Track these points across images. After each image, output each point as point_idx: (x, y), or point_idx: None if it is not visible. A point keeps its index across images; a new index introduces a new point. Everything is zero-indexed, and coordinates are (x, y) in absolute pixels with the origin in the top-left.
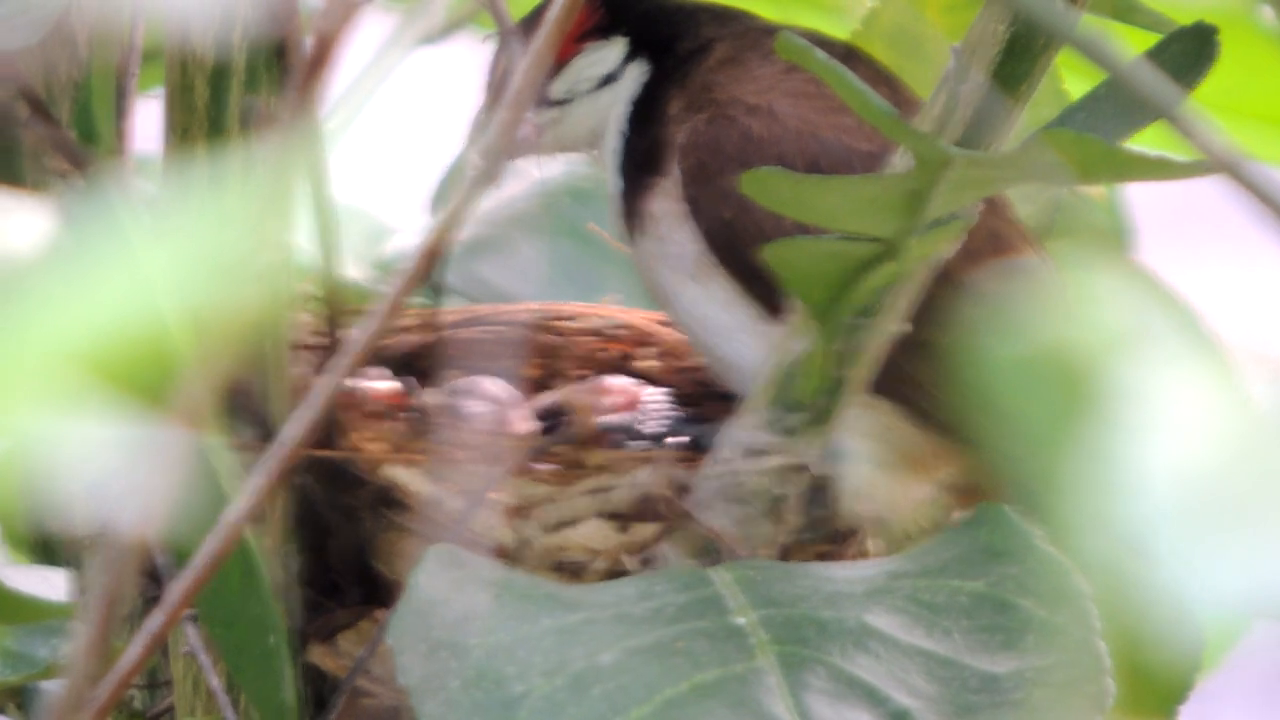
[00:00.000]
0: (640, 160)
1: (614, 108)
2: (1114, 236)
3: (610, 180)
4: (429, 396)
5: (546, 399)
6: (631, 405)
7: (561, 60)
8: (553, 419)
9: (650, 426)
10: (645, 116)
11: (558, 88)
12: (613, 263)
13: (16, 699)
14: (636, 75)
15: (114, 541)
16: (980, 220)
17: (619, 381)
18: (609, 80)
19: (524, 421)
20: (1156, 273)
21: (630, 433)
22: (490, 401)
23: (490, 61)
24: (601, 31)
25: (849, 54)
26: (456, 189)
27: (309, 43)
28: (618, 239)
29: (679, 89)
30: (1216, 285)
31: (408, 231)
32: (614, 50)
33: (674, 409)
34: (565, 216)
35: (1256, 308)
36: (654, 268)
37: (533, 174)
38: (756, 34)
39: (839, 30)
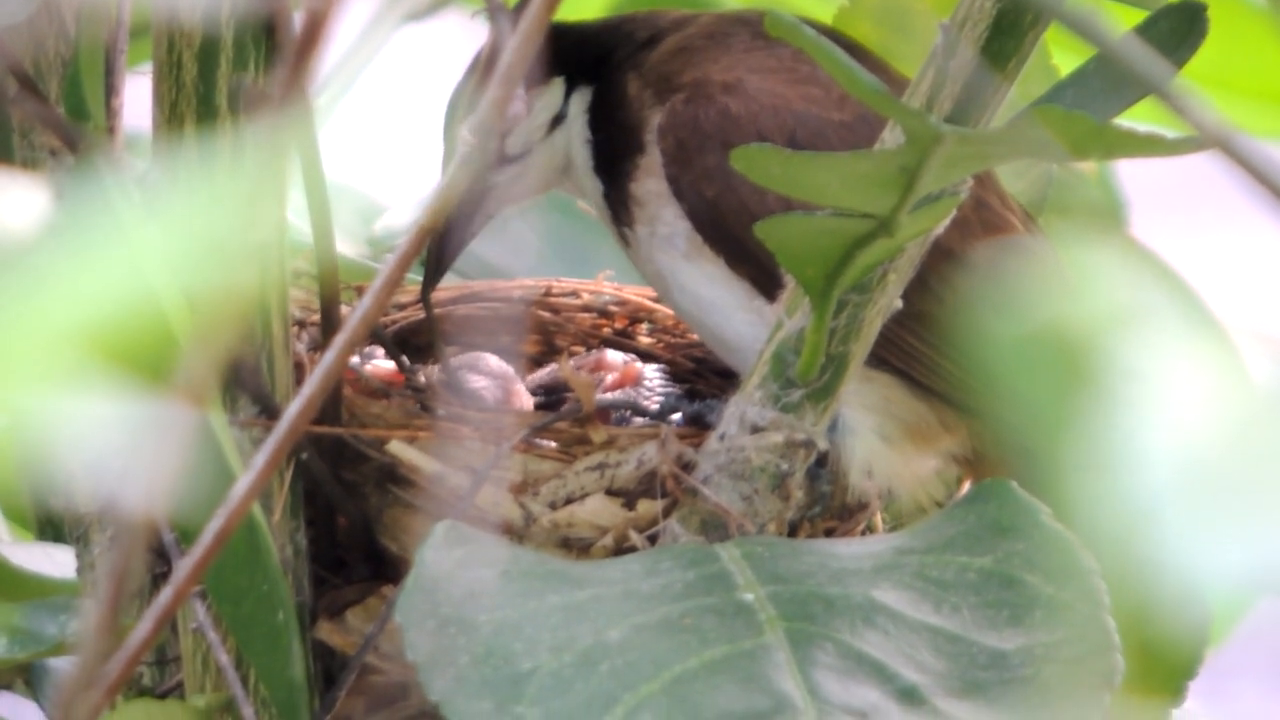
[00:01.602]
0: (613, 152)
1: (572, 129)
2: (1108, 211)
3: (590, 188)
4: (429, 373)
5: (546, 373)
6: (632, 380)
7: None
8: (553, 394)
9: (652, 401)
10: (604, 115)
11: (513, 144)
12: (602, 238)
13: (24, 675)
14: (582, 100)
15: (123, 518)
16: (971, 195)
17: (618, 357)
18: (559, 121)
19: (524, 396)
20: (1151, 248)
21: (633, 408)
22: (490, 377)
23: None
24: (538, 80)
25: (829, 35)
26: (447, 168)
27: (299, 19)
28: (615, 242)
29: (633, 74)
30: (1211, 260)
31: (399, 209)
32: (554, 91)
33: (673, 385)
34: (555, 192)
35: (1252, 282)
36: (649, 254)
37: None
38: (705, 23)
39: (825, 8)
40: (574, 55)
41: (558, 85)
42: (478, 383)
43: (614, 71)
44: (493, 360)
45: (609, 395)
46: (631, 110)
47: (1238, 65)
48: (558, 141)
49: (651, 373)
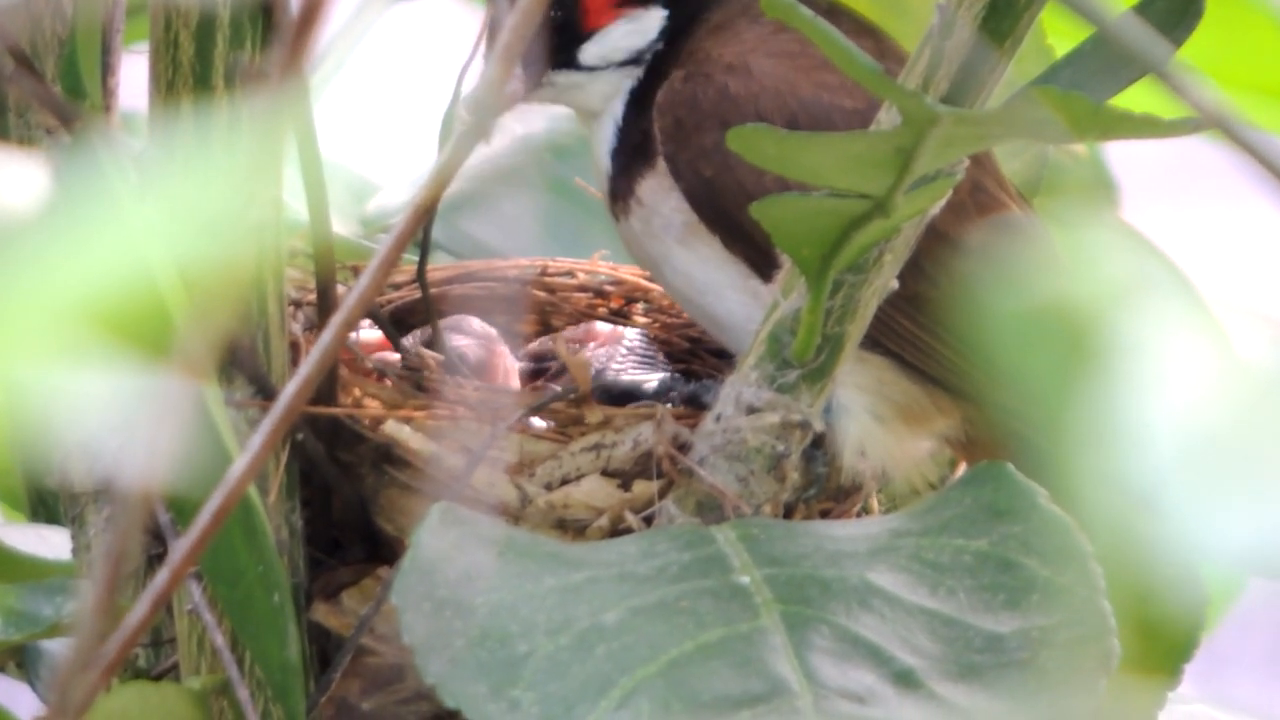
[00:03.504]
0: (632, 149)
1: (622, 87)
2: (1100, 192)
3: (601, 162)
4: (414, 337)
5: (536, 343)
6: (613, 341)
7: (593, 26)
8: (542, 362)
9: (633, 367)
10: (641, 104)
11: (590, 53)
12: (595, 218)
13: (16, 658)
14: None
15: (120, 498)
16: (968, 178)
17: (606, 328)
18: (638, 59)
19: (507, 358)
20: (1141, 229)
21: (623, 388)
22: (473, 336)
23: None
24: (638, 0)
25: (831, 10)
26: (445, 144)
27: None
28: (603, 209)
29: (676, 67)
30: (1207, 240)
31: (392, 188)
32: (653, 19)
33: (652, 345)
34: (547, 172)
35: (1248, 263)
36: (641, 242)
37: (514, 129)
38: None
39: None
40: None
41: (658, 15)
42: (460, 342)
43: (679, 39)
44: (475, 322)
45: (595, 355)
46: (657, 105)
47: (1238, 59)
48: (626, 80)
49: (632, 335)
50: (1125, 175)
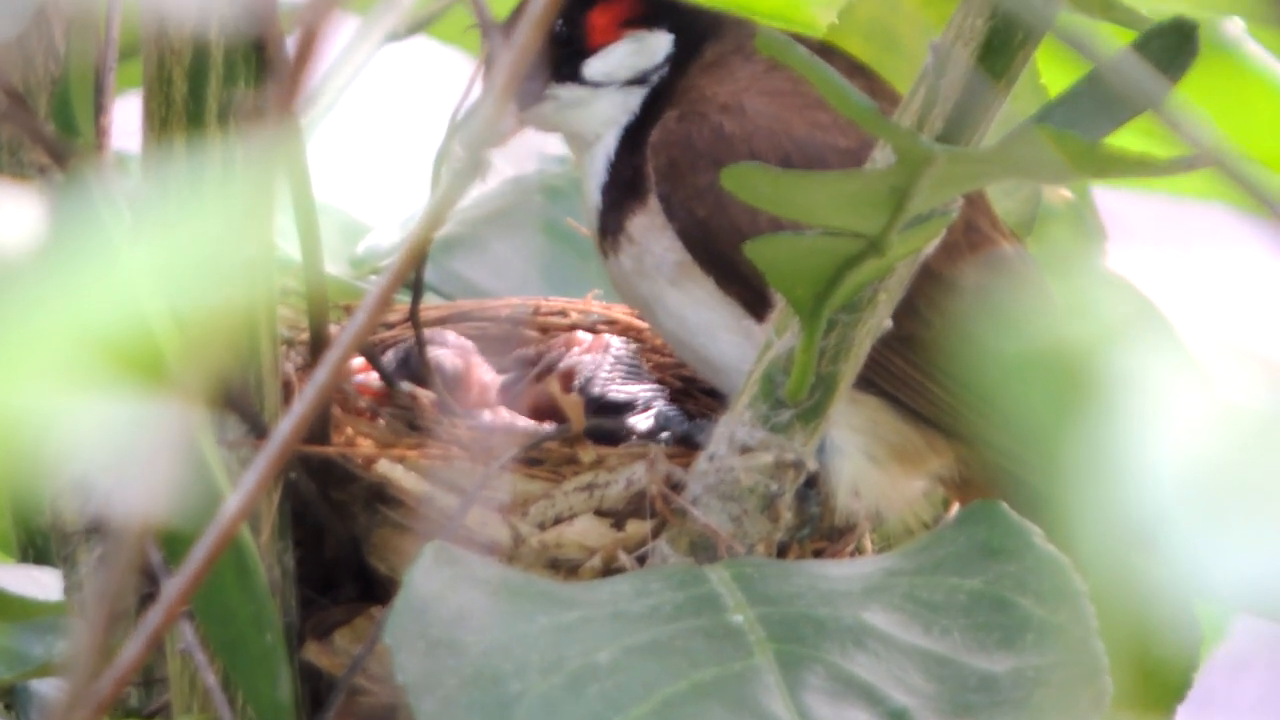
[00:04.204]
0: (623, 185)
1: (619, 117)
2: (1087, 237)
3: (591, 197)
4: (389, 356)
5: (519, 353)
6: (600, 349)
7: (599, 43)
8: (520, 372)
9: (621, 379)
10: (634, 141)
11: (595, 68)
12: (588, 259)
13: (7, 698)
14: (657, 80)
15: (112, 537)
16: (961, 218)
17: (587, 336)
18: (643, 80)
19: (483, 369)
20: (1126, 273)
21: (614, 402)
22: (452, 348)
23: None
24: (645, 22)
25: (824, 49)
26: (439, 184)
27: (294, 37)
28: (593, 247)
29: (669, 106)
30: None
31: (382, 229)
32: (660, 42)
33: (638, 358)
34: (539, 213)
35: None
36: (632, 280)
37: (505, 171)
38: (743, 37)
39: (817, 25)
40: (685, 19)
41: (665, 38)
42: (436, 352)
43: (679, 75)
44: (450, 335)
45: (579, 363)
46: (648, 160)
47: (1241, 129)
48: (631, 99)
49: (619, 344)
50: (1113, 219)
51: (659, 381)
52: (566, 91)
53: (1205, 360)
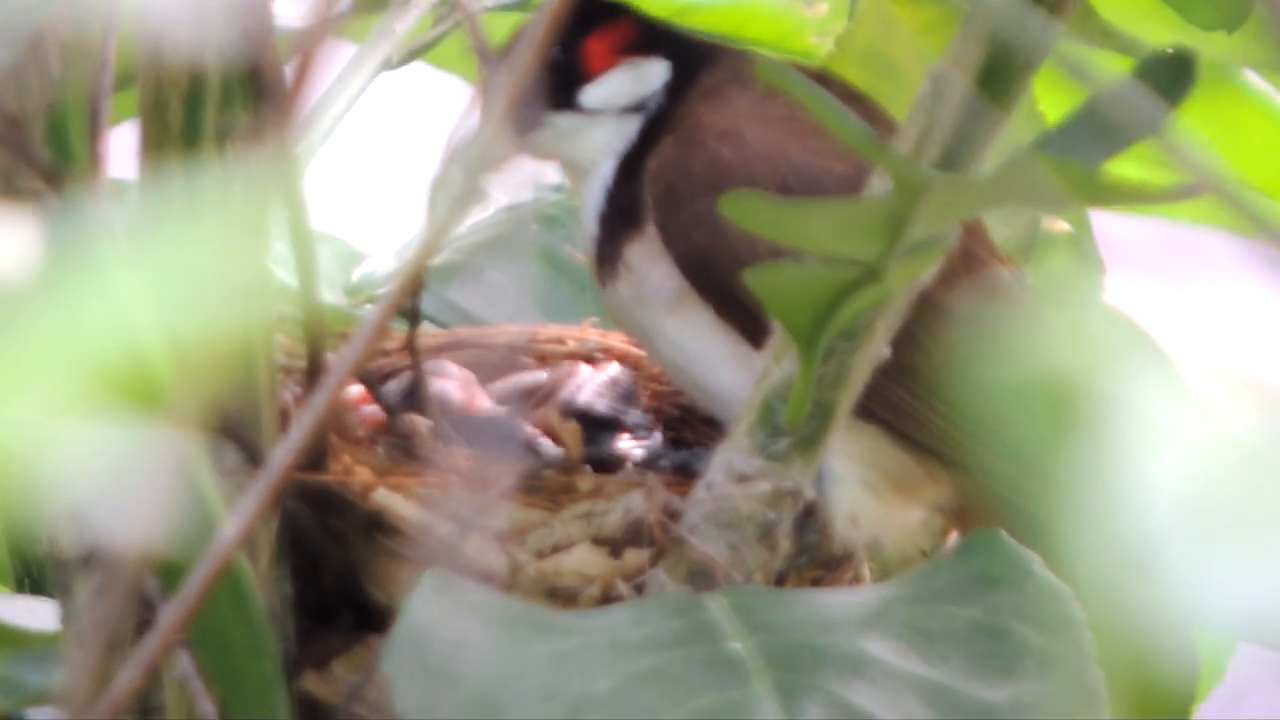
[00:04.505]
0: (620, 214)
1: (616, 145)
2: (1085, 268)
3: (588, 225)
4: (390, 388)
5: (518, 380)
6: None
7: (596, 70)
8: (518, 402)
9: (614, 399)
10: (630, 168)
11: (592, 95)
12: (584, 288)
13: None
14: (654, 108)
15: (108, 565)
16: (959, 246)
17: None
18: (640, 107)
19: (487, 399)
20: (1123, 305)
21: (599, 416)
22: (456, 379)
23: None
24: (642, 49)
25: (822, 77)
26: (436, 211)
27: (290, 64)
28: (590, 276)
29: (667, 133)
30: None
31: (377, 257)
32: (657, 70)
33: (635, 386)
34: (535, 242)
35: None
36: (629, 309)
37: (501, 200)
38: (740, 64)
39: (815, 53)
40: (682, 48)
41: (661, 66)
42: (440, 385)
43: (675, 102)
44: (454, 368)
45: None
46: (645, 187)
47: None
48: (626, 127)
49: (617, 369)
50: (1111, 245)
51: (654, 410)
52: (563, 119)
53: (1202, 389)
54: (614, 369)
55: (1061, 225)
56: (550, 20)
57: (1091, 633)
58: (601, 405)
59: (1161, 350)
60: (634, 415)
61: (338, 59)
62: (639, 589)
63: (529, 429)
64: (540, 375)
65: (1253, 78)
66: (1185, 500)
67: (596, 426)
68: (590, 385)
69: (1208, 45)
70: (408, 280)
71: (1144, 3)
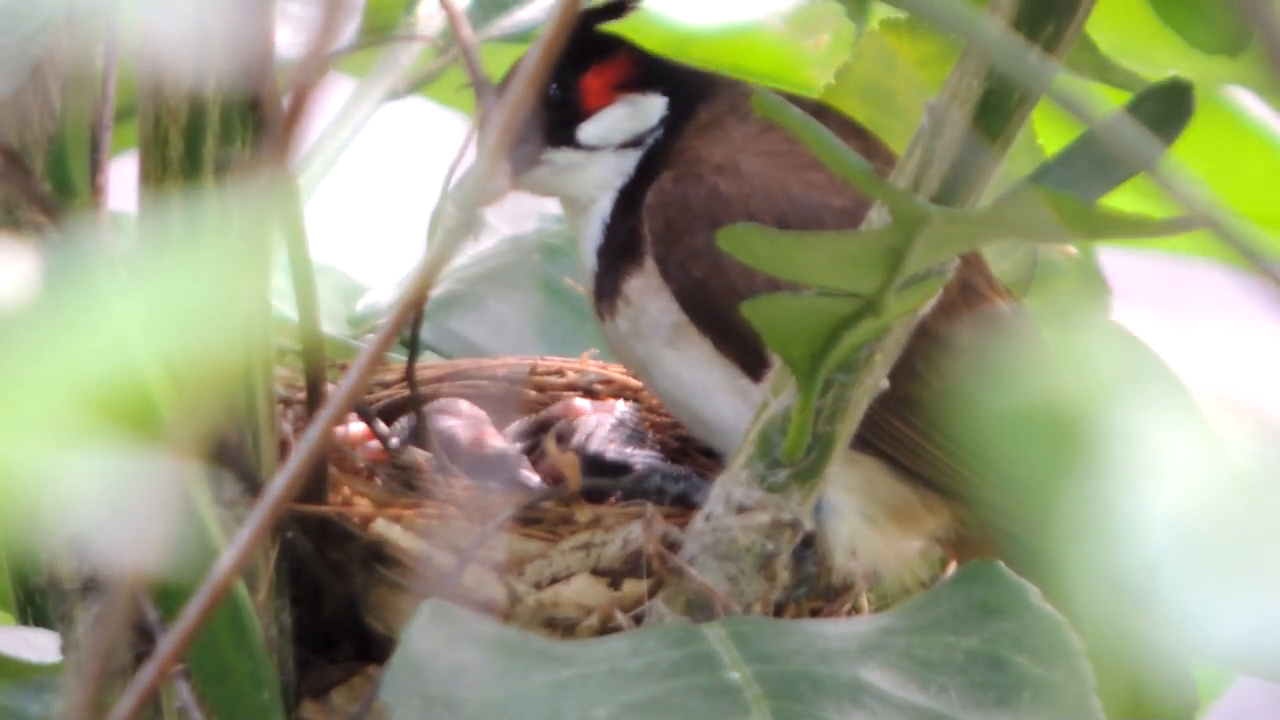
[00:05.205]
0: (618, 248)
1: (614, 180)
2: (1092, 293)
3: (587, 260)
4: (398, 424)
5: (526, 421)
6: (604, 409)
7: (593, 106)
8: (531, 439)
9: (623, 441)
10: (629, 203)
11: (589, 132)
12: (585, 318)
13: None
14: (651, 142)
15: (107, 594)
16: (958, 278)
17: (585, 404)
18: (638, 143)
19: (495, 437)
20: (1131, 328)
21: (610, 462)
22: (465, 418)
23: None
24: (639, 85)
25: (819, 110)
26: (433, 242)
27: (287, 96)
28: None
29: (665, 168)
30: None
31: (379, 288)
32: (654, 104)
33: (643, 425)
34: (537, 272)
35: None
36: (628, 343)
37: (502, 230)
38: (737, 97)
39: (813, 86)
40: (678, 82)
41: (658, 102)
42: (449, 423)
43: (673, 137)
44: (464, 405)
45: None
46: (644, 222)
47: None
48: (625, 163)
49: (623, 408)
50: (1108, 279)
51: (659, 445)
52: (561, 156)
53: (1212, 412)
54: (620, 408)
55: (1068, 250)
56: (545, 54)
57: (1090, 663)
58: (611, 452)
59: (1171, 373)
60: (641, 456)
61: (337, 92)
62: (638, 619)
63: (531, 474)
64: (547, 413)
65: (1252, 106)
66: (1185, 531)
67: (606, 472)
68: (599, 433)
69: (1211, 69)
70: (405, 311)
71: (1147, 28)
